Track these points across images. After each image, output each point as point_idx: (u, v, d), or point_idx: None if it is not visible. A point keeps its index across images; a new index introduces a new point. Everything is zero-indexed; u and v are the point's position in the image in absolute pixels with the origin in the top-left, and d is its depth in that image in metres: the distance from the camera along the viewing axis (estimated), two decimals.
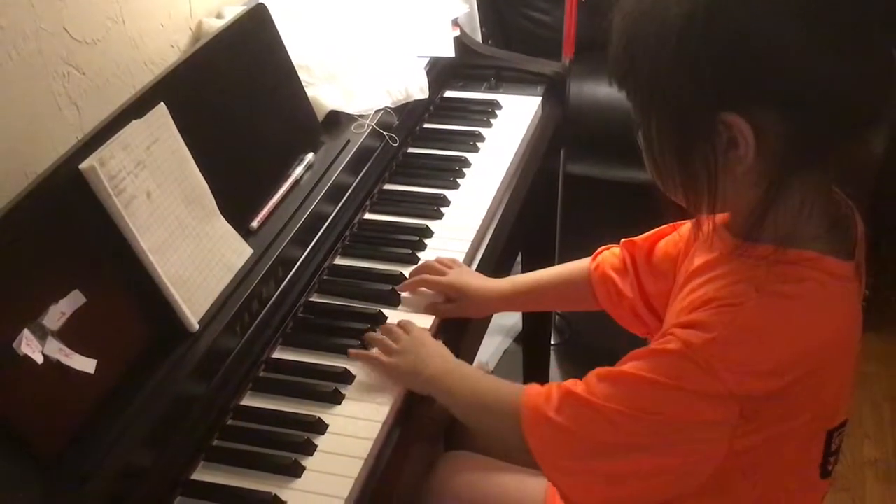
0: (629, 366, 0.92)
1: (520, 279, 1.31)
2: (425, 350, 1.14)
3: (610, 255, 1.22)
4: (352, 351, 1.16)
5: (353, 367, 1.15)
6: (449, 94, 1.73)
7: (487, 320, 1.44)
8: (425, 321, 1.23)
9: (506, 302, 1.31)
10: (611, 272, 1.20)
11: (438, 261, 1.30)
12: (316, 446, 1.05)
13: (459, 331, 1.27)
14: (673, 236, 1.14)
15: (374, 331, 1.20)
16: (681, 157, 0.87)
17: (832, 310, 0.89)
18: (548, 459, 0.97)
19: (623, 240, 1.21)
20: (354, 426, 1.07)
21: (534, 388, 0.99)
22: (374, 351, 1.15)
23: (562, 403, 0.94)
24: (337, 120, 1.44)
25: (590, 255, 1.26)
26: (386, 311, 1.24)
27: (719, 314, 0.88)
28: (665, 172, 0.90)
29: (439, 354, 1.14)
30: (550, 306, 1.55)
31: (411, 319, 1.22)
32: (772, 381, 0.87)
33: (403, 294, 1.27)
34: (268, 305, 1.17)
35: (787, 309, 0.87)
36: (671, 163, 0.88)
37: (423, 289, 1.27)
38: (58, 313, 0.94)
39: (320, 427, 1.07)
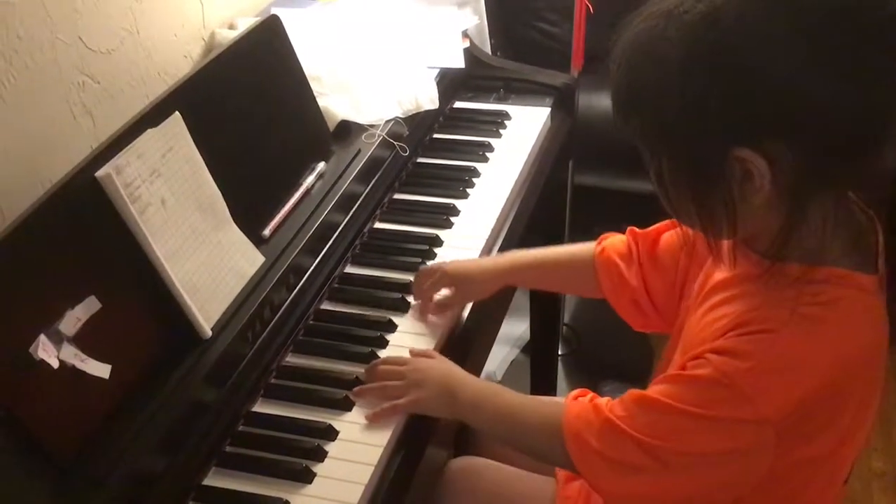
0: (664, 391, 0.92)
1: (521, 255, 1.29)
2: (438, 372, 1.12)
3: (616, 240, 1.22)
4: (375, 412, 1.10)
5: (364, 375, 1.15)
6: (458, 104, 1.74)
7: (495, 331, 1.44)
8: (431, 338, 1.23)
9: (505, 278, 1.29)
10: (616, 258, 1.19)
11: (427, 268, 1.29)
12: (326, 452, 1.06)
13: (467, 341, 1.27)
14: (674, 233, 1.14)
15: (384, 339, 1.21)
16: (695, 194, 0.87)
17: (864, 326, 0.89)
18: (593, 480, 0.98)
19: (629, 228, 1.21)
20: (365, 433, 1.08)
21: (573, 410, 0.99)
22: (388, 403, 1.11)
23: (601, 432, 0.95)
24: (348, 130, 1.45)
25: None
26: (396, 320, 1.25)
27: (755, 342, 0.87)
28: (680, 207, 0.90)
29: (455, 373, 1.12)
30: (549, 287, 1.53)
31: (419, 336, 1.22)
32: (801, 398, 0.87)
33: (414, 302, 1.27)
34: (279, 313, 1.18)
35: (821, 334, 0.87)
36: (686, 198, 0.88)
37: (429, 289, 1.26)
38: (73, 319, 0.95)
39: (331, 433, 1.08)
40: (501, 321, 1.45)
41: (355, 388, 1.13)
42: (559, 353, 2.26)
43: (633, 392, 0.95)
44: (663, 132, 0.86)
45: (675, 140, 0.85)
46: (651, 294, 1.16)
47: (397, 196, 1.49)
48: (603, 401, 0.98)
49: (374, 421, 1.09)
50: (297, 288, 1.22)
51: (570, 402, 1.00)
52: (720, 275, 0.97)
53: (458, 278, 1.25)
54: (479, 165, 1.56)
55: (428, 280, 1.26)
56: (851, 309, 0.88)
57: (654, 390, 0.93)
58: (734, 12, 0.80)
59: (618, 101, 0.89)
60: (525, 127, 1.67)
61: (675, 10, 0.83)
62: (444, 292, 1.26)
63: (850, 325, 0.88)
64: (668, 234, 1.15)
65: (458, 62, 1.66)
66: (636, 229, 1.20)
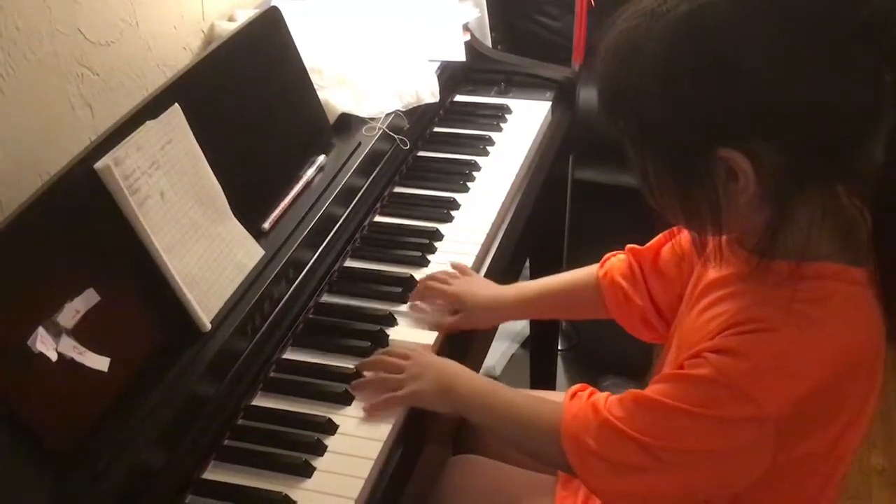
0: (662, 391, 0.92)
1: (526, 287, 1.30)
2: (437, 366, 1.12)
3: (617, 261, 1.22)
4: (369, 406, 1.09)
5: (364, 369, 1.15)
6: (459, 98, 1.73)
7: (495, 326, 1.44)
8: (429, 334, 1.23)
9: (512, 312, 1.30)
10: (619, 279, 1.20)
11: (444, 272, 1.29)
12: (326, 447, 1.05)
13: (467, 337, 1.27)
14: (673, 243, 1.14)
15: (384, 333, 1.20)
16: (680, 193, 0.87)
17: (859, 320, 0.89)
18: (590, 481, 0.98)
19: (628, 246, 1.21)
20: (365, 427, 1.08)
21: (571, 410, 0.98)
22: (385, 395, 1.10)
23: (600, 433, 0.94)
24: (348, 123, 1.44)
25: (597, 261, 1.25)
26: (396, 313, 1.24)
27: (753, 341, 0.87)
28: (665, 206, 0.90)
29: (454, 368, 1.12)
30: (558, 315, 1.55)
31: (419, 330, 1.22)
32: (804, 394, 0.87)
33: (407, 306, 1.27)
34: (279, 306, 1.18)
35: (818, 330, 0.86)
36: (671, 197, 0.88)
37: (429, 298, 1.26)
38: (72, 311, 0.95)
39: (330, 427, 1.07)
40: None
41: (353, 382, 1.12)
42: (559, 348, 2.26)
43: (632, 392, 0.95)
44: (647, 132, 0.86)
45: (659, 140, 0.86)
46: (659, 309, 1.16)
47: (397, 189, 1.49)
48: (601, 398, 0.98)
49: (371, 413, 1.09)
50: (297, 281, 1.22)
51: (568, 402, 1.00)
52: (713, 273, 0.97)
53: (465, 305, 1.25)
54: (479, 159, 1.55)
55: (434, 282, 1.26)
56: (846, 304, 0.88)
57: (653, 390, 0.93)
58: (716, 12, 0.80)
59: (603, 101, 0.89)
60: (526, 121, 1.66)
61: (659, 8, 0.83)
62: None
63: (846, 320, 0.88)
64: (668, 246, 1.15)
65: (459, 55, 1.66)
66: (636, 247, 1.20)
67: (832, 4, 0.79)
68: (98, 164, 1.01)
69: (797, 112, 0.80)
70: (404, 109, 1.50)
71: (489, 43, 2.00)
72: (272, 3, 1.40)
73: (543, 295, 1.28)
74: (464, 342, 1.26)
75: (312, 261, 1.25)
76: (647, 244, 1.19)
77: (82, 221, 1.00)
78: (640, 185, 0.91)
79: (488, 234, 1.40)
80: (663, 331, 1.16)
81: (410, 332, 1.22)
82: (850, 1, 0.80)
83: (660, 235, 1.17)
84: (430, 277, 1.28)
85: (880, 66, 0.81)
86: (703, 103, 0.81)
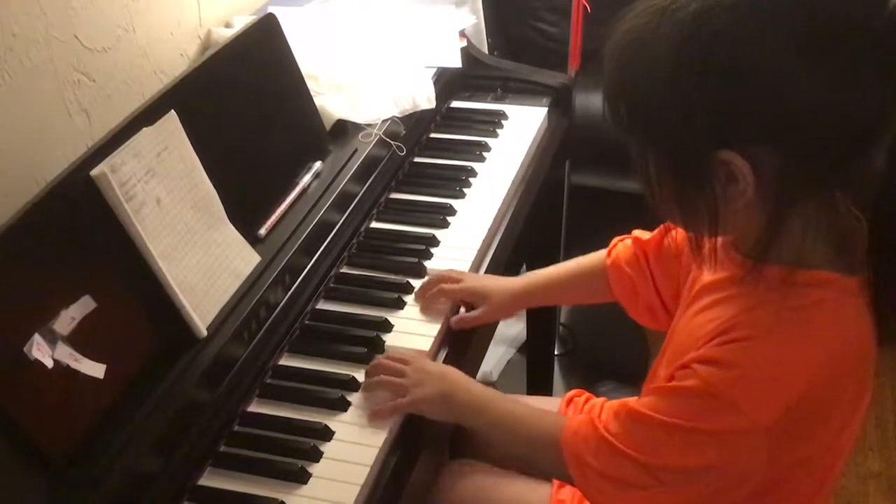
0: (655, 406, 0.92)
1: (536, 276, 1.32)
2: (437, 373, 1.13)
3: (623, 248, 1.23)
4: (376, 410, 1.10)
5: (360, 375, 1.15)
6: (456, 104, 1.73)
7: (492, 331, 1.44)
8: (430, 330, 1.23)
9: (524, 301, 1.33)
10: (626, 267, 1.21)
11: (451, 270, 1.30)
12: (322, 453, 1.05)
13: (464, 342, 1.27)
14: (668, 238, 1.16)
15: (380, 339, 1.21)
16: (679, 193, 0.87)
17: (849, 328, 0.89)
18: (595, 497, 1.00)
19: (634, 233, 1.22)
20: (361, 433, 1.08)
21: (571, 426, 0.99)
22: (389, 401, 1.11)
23: (599, 451, 0.95)
24: (344, 129, 1.45)
25: None
26: (392, 320, 1.24)
27: (739, 351, 0.87)
28: (664, 206, 0.90)
29: (452, 376, 1.13)
30: (568, 301, 1.56)
31: (416, 335, 1.22)
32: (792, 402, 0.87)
33: (410, 301, 1.27)
34: (275, 312, 1.18)
35: (806, 338, 0.87)
36: (670, 197, 0.88)
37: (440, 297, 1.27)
38: (68, 318, 0.95)
39: (327, 434, 1.07)
40: (498, 321, 1.45)
41: (368, 367, 1.13)
42: (555, 353, 2.26)
43: (627, 406, 0.95)
44: (650, 130, 0.86)
45: (661, 139, 0.86)
46: (663, 298, 1.17)
47: (394, 196, 1.49)
48: (596, 407, 0.99)
49: (374, 419, 1.09)
50: (293, 288, 1.22)
51: (566, 413, 1.00)
52: (708, 276, 0.97)
53: (488, 298, 1.27)
54: (475, 165, 1.55)
55: (444, 283, 1.27)
56: (835, 311, 0.88)
57: (646, 404, 0.93)
58: (726, 14, 0.80)
59: (608, 96, 0.89)
60: (522, 127, 1.66)
61: (669, 7, 0.83)
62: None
63: (834, 328, 0.88)
64: (668, 240, 1.16)
65: (456, 61, 1.66)
66: (640, 237, 1.21)
67: (844, 14, 0.79)
68: (94, 172, 1.01)
69: (801, 118, 0.80)
70: (401, 115, 1.50)
71: (485, 49, 2.00)
72: (269, 10, 1.40)
73: (554, 284, 1.30)
74: (461, 345, 1.26)
75: (309, 267, 1.25)
76: (651, 234, 1.20)
77: (78, 228, 1.00)
78: (640, 182, 0.91)
79: (485, 240, 1.40)
80: (665, 320, 1.17)
81: (406, 338, 1.22)
82: (861, 11, 0.80)
83: (660, 227, 1.18)
84: (439, 278, 1.28)
85: (886, 76, 0.81)
86: (708, 104, 0.81)
